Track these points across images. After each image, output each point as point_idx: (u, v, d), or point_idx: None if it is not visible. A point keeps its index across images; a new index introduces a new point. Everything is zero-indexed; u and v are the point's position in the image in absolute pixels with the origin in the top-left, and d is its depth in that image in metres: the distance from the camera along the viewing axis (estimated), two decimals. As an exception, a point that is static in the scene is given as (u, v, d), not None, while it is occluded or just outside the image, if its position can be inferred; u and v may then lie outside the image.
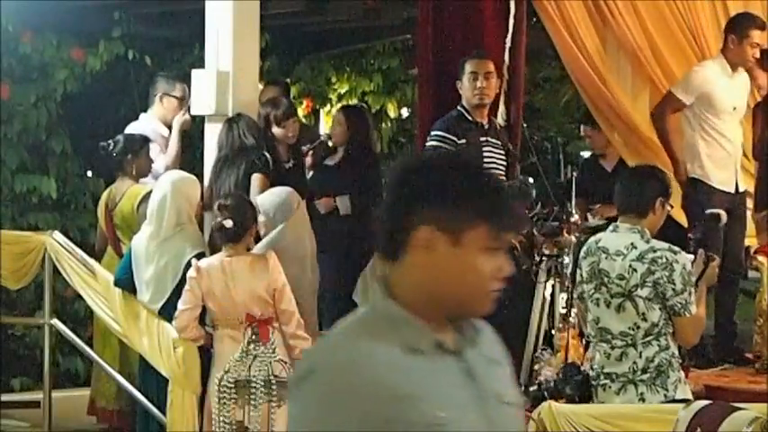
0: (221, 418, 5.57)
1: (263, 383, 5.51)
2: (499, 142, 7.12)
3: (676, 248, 5.37)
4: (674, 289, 5.28)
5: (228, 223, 6.05)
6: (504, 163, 7.12)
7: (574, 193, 7.27)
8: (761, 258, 7.57)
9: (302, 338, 6.07)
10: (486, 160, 6.98)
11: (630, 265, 5.33)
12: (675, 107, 7.62)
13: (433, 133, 6.99)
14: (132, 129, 7.84)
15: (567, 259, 7.09)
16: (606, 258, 5.43)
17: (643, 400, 5.35)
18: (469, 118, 7.02)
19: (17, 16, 9.03)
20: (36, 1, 8.82)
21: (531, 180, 7.14)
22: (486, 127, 7.09)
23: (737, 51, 7.54)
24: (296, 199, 6.70)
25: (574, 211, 7.14)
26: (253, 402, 5.52)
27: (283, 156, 7.70)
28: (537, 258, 7.30)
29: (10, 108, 9.25)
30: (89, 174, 9.80)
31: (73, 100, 9.58)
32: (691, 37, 8.44)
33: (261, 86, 8.40)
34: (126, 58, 9.56)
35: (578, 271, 5.55)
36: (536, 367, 6.77)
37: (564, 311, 7.01)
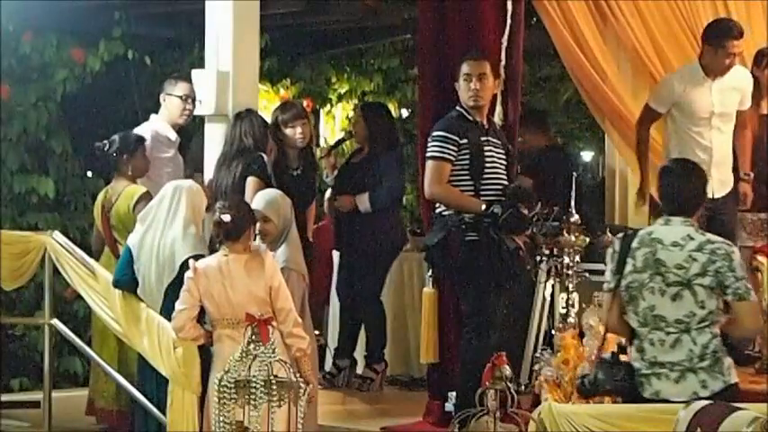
0: (221, 418, 5.56)
1: (263, 383, 5.50)
2: (499, 142, 7.11)
3: (729, 242, 5.55)
4: (735, 276, 5.42)
5: (227, 217, 6.08)
6: (505, 163, 7.12)
7: (574, 193, 7.27)
8: (761, 258, 7.58)
9: (299, 337, 6.08)
10: (487, 160, 6.98)
11: (690, 255, 5.45)
12: (652, 118, 7.85)
13: (434, 134, 6.98)
14: (137, 129, 7.83)
15: (566, 259, 7.09)
16: (662, 249, 5.51)
17: (705, 386, 5.42)
18: (469, 118, 7.02)
19: (17, 16, 9.05)
20: (36, 1, 8.82)
21: (530, 180, 7.15)
22: (486, 126, 7.09)
23: (712, 60, 7.67)
24: (288, 203, 6.70)
25: (573, 211, 7.14)
26: (253, 402, 5.51)
27: (292, 162, 7.72)
28: (537, 258, 7.31)
29: (10, 108, 9.26)
30: (89, 174, 9.80)
31: (73, 100, 9.59)
32: (692, 36, 8.45)
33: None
34: (126, 58, 9.57)
35: (630, 262, 5.55)
36: (536, 367, 6.77)
37: (564, 311, 7.01)
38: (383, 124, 8.61)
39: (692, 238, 5.49)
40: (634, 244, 5.58)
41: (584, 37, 8.12)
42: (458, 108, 7.04)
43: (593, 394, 5.71)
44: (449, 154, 6.90)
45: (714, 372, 5.44)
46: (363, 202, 8.38)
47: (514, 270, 6.91)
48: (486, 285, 6.83)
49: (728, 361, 5.49)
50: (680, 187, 5.60)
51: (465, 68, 7.01)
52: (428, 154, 6.97)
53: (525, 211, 6.91)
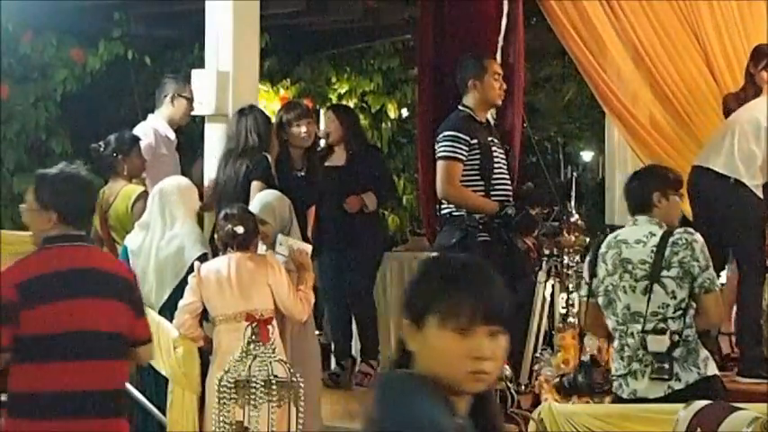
0: (221, 418, 5.57)
1: (263, 383, 5.51)
2: (499, 142, 7.11)
3: (690, 229, 5.58)
4: (699, 266, 5.45)
5: (240, 230, 6.16)
6: (506, 163, 7.10)
7: (574, 193, 7.27)
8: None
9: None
10: (495, 161, 6.96)
11: (652, 251, 5.51)
12: None
13: (445, 134, 6.90)
14: (137, 129, 7.82)
15: (566, 259, 7.10)
16: (627, 248, 5.59)
17: (679, 379, 5.42)
18: (477, 118, 6.99)
19: (17, 16, 9.04)
20: (36, 1, 8.82)
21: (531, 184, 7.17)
22: (487, 126, 7.08)
23: None
24: (286, 204, 6.69)
25: (573, 211, 7.15)
26: (253, 402, 5.52)
27: (297, 162, 7.72)
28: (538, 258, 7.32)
29: (9, 108, 9.25)
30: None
31: (73, 100, 9.58)
32: (693, 35, 8.45)
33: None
34: (126, 58, 9.56)
35: (602, 266, 5.60)
36: (536, 367, 6.77)
37: (564, 311, 7.01)
38: (356, 126, 8.64)
39: (653, 235, 5.55)
40: (602, 249, 5.67)
41: (600, 34, 8.12)
42: (462, 108, 7.00)
43: (570, 395, 5.73)
44: (460, 154, 6.85)
45: (687, 363, 5.43)
46: (372, 201, 8.38)
47: (524, 270, 6.93)
48: None
49: (705, 353, 5.50)
50: (633, 189, 5.72)
51: (494, 68, 7.00)
52: (439, 154, 6.91)
53: (533, 213, 6.93)
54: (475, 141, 6.88)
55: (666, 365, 5.42)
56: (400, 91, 11.50)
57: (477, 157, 6.89)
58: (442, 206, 7.01)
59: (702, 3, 8.45)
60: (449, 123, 6.96)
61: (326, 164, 8.58)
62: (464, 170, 6.88)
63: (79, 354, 4.51)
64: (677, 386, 5.39)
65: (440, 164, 6.90)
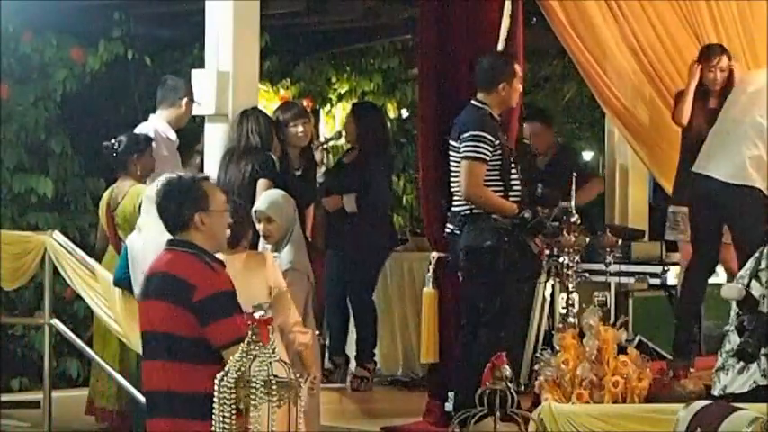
0: (221, 418, 5.56)
1: (263, 383, 5.50)
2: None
3: None
4: None
5: None
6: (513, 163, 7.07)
7: (573, 193, 7.26)
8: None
9: (300, 332, 6.09)
10: (510, 162, 6.93)
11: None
12: None
13: (470, 133, 6.76)
14: (139, 129, 7.79)
15: (566, 259, 7.09)
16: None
17: (765, 375, 5.66)
18: (496, 117, 6.93)
19: (17, 16, 9.05)
20: (36, 1, 8.83)
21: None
22: (501, 126, 7.03)
23: None
24: (292, 203, 6.69)
25: (573, 211, 7.14)
26: (253, 402, 5.51)
27: (294, 161, 7.74)
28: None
29: (9, 108, 9.25)
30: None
31: (72, 100, 9.59)
32: (693, 35, 8.46)
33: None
34: (126, 58, 9.57)
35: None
36: (536, 367, 6.76)
37: (564, 311, 7.01)
38: (374, 125, 8.63)
39: None
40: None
41: (597, 32, 8.12)
42: (481, 106, 6.87)
43: None
44: (485, 154, 6.74)
45: None
46: (350, 203, 8.39)
47: (536, 271, 6.97)
48: (512, 286, 6.81)
49: None
50: None
51: (520, 71, 6.95)
52: (464, 154, 6.76)
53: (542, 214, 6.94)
54: (498, 142, 6.79)
55: (751, 340, 5.55)
56: (400, 91, 11.51)
57: (499, 157, 6.80)
58: (454, 204, 6.92)
59: (702, 3, 8.46)
60: (472, 122, 6.82)
61: (342, 160, 8.70)
62: (486, 170, 6.78)
63: (150, 354, 4.75)
64: (762, 381, 5.51)
65: (464, 164, 6.75)
